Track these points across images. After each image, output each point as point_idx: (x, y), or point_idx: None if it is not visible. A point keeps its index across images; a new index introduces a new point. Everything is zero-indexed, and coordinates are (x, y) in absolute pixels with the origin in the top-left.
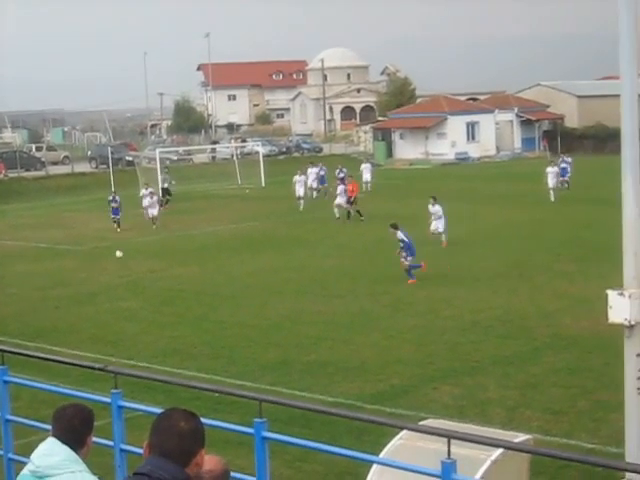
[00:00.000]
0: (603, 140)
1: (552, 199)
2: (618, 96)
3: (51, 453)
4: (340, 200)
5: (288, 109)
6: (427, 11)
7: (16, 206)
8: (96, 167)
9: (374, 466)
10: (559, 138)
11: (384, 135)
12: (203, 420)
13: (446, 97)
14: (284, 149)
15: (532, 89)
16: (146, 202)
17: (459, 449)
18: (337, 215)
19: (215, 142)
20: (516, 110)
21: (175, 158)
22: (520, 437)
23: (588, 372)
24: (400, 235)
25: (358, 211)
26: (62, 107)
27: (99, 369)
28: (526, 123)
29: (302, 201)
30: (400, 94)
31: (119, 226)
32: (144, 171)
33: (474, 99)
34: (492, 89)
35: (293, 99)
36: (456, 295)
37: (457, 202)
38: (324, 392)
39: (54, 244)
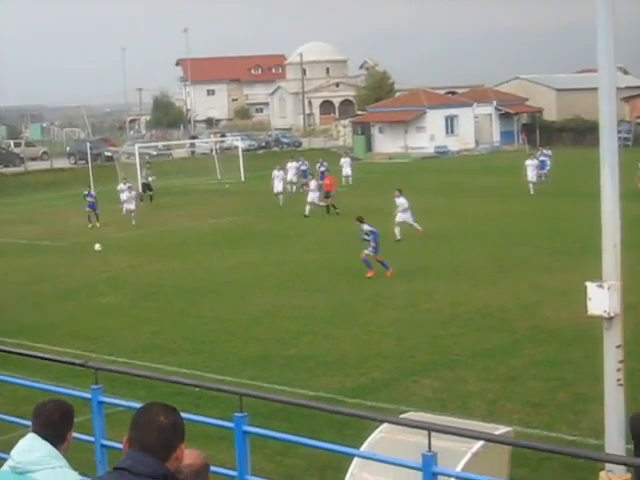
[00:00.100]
0: (582, 133)
1: (531, 192)
2: (596, 89)
3: (31, 449)
4: (312, 196)
5: (267, 103)
6: (405, 5)
7: None
8: (75, 163)
9: (355, 459)
10: (538, 131)
11: (363, 129)
12: (184, 415)
13: (425, 91)
14: (263, 144)
15: (510, 82)
16: (124, 197)
17: (440, 442)
18: (306, 213)
19: (194, 137)
20: (495, 103)
21: (154, 153)
22: (501, 429)
23: (568, 364)
24: (366, 227)
25: (333, 205)
26: (41, 103)
27: (79, 365)
28: (505, 116)
29: (281, 196)
30: (379, 88)
31: (96, 220)
32: (123, 166)
33: (453, 93)
34: (471, 83)
35: (272, 93)
36: (436, 288)
37: (436, 195)
38: (305, 386)
39: (34, 240)
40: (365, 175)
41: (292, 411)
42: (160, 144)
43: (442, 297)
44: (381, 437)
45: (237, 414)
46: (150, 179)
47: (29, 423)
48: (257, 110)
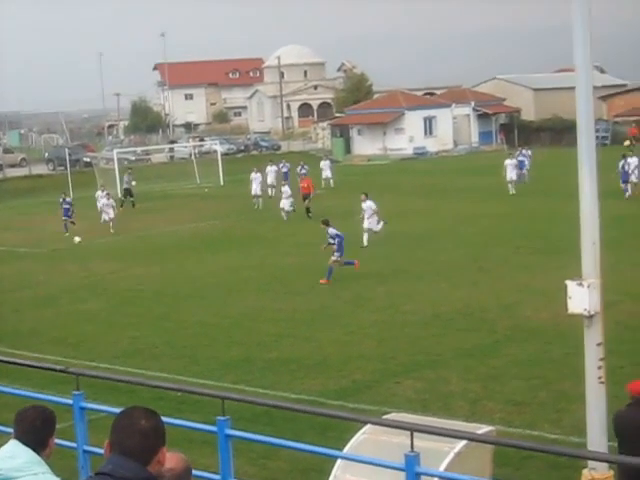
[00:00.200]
0: (560, 132)
1: (510, 192)
2: (574, 88)
3: (13, 455)
4: (285, 202)
5: (245, 107)
6: (382, 7)
7: None
8: (54, 169)
9: (338, 461)
10: (516, 131)
11: (342, 131)
12: (166, 420)
13: (403, 92)
14: (242, 147)
15: (488, 83)
16: (100, 204)
17: (422, 442)
18: (285, 218)
19: (173, 142)
20: (473, 104)
21: (133, 158)
22: (483, 429)
23: (549, 363)
24: (332, 231)
25: (308, 208)
26: (16, 109)
27: (60, 371)
28: (483, 117)
29: (260, 199)
30: (357, 90)
31: (72, 225)
32: (102, 172)
33: (431, 94)
34: (448, 84)
35: (250, 97)
36: (416, 289)
37: (416, 197)
38: (287, 389)
39: (12, 247)
40: (344, 177)
41: (275, 414)
42: (139, 149)
43: (423, 298)
44: (364, 438)
45: (219, 417)
46: (133, 183)
47: (11, 430)
48: (235, 114)
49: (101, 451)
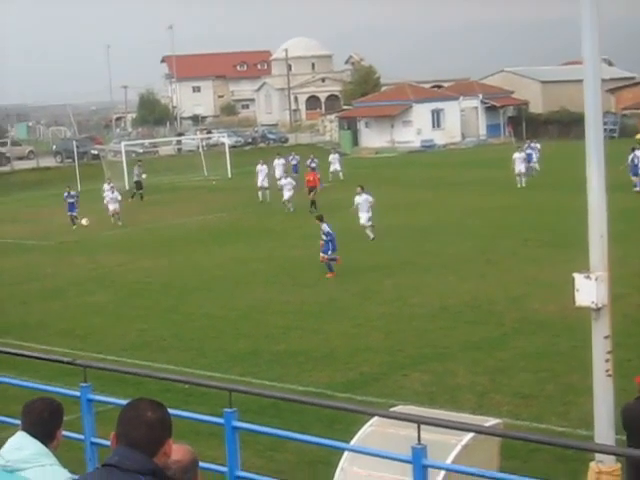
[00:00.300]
0: (568, 125)
1: (519, 185)
2: (581, 81)
3: (21, 447)
4: (287, 195)
5: (253, 100)
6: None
7: None
8: (61, 161)
9: (346, 453)
10: (524, 124)
11: (349, 124)
12: (173, 412)
13: (411, 85)
14: (250, 140)
15: (496, 75)
16: (107, 198)
17: (430, 435)
18: (291, 209)
19: (180, 134)
20: (481, 97)
21: (141, 151)
22: (490, 422)
23: (556, 356)
24: (325, 228)
25: (313, 202)
26: (24, 102)
27: (68, 363)
28: (491, 109)
29: (267, 191)
30: (365, 83)
31: (77, 219)
32: (110, 164)
33: (439, 86)
34: (456, 76)
35: (258, 90)
36: (424, 282)
37: (424, 189)
38: (294, 381)
39: (20, 239)
40: (352, 170)
41: (282, 406)
42: (146, 142)
43: (430, 290)
44: (371, 431)
45: (227, 410)
46: (143, 176)
47: (19, 422)
48: (243, 106)
49: (108, 443)
